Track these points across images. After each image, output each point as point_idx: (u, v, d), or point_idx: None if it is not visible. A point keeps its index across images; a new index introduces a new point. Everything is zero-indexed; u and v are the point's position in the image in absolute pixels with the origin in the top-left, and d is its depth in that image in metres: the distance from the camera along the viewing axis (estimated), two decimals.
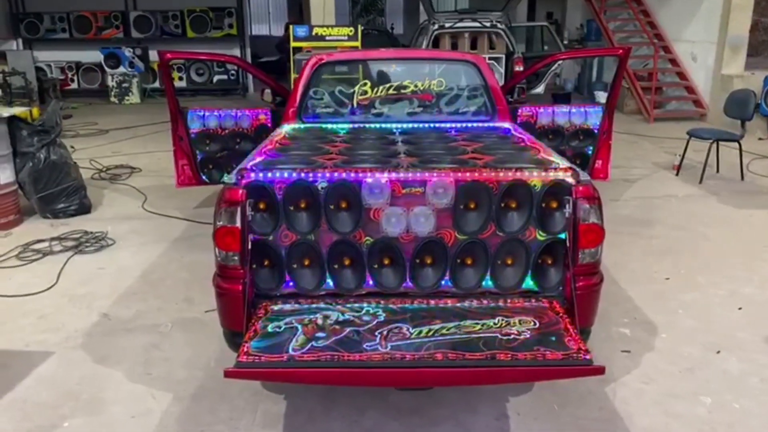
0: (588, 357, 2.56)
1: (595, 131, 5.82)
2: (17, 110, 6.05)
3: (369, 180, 2.99)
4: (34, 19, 14.85)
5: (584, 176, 2.98)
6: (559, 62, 11.40)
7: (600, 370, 2.54)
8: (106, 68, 14.18)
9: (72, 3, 14.80)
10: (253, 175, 2.99)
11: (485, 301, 3.05)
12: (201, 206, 6.47)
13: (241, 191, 2.88)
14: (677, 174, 7.69)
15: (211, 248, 5.22)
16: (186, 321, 4.10)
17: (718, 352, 3.72)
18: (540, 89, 10.98)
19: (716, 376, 3.47)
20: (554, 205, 3.01)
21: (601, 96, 12.87)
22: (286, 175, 3.00)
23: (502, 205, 3.01)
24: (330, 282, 3.12)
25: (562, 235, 3.02)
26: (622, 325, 4.02)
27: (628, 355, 3.68)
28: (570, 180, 2.97)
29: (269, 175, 3.01)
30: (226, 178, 2.98)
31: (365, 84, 4.79)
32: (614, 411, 3.17)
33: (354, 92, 4.78)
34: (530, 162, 3.26)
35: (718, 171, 7.65)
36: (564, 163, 3.18)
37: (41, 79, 13.85)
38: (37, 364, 3.58)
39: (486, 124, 4.60)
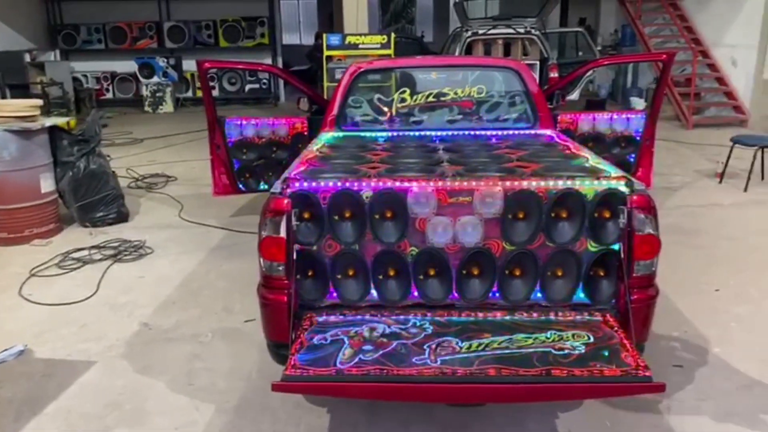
0: (648, 374, 2.45)
1: (637, 138, 5.69)
2: (58, 120, 6.13)
3: (415, 189, 2.93)
4: (71, 30, 15.17)
5: (639, 185, 2.88)
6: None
7: (660, 387, 2.44)
8: (140, 78, 14.42)
9: (108, 14, 15.10)
10: (297, 183, 2.95)
11: (535, 314, 2.95)
12: (237, 215, 6.48)
13: (286, 200, 2.84)
14: (720, 182, 7.47)
15: (247, 257, 5.31)
16: (226, 330, 4.07)
17: None
18: (575, 95, 10.84)
19: None
20: (607, 215, 2.91)
21: (637, 102, 12.64)
22: (331, 183, 2.96)
23: (552, 214, 2.93)
24: (374, 293, 3.06)
25: (616, 246, 2.92)
26: (672, 339, 3.88)
27: (681, 370, 3.54)
28: (624, 189, 2.87)
29: (314, 184, 2.96)
30: (273, 188, 2.93)
31: (404, 92, 4.73)
32: (670, 429, 3.04)
33: (393, 100, 4.73)
34: (580, 170, 3.16)
35: (763, 178, 7.42)
36: (617, 172, 3.08)
37: (77, 89, 14.11)
38: (81, 373, 3.58)
39: (528, 132, 4.50)
